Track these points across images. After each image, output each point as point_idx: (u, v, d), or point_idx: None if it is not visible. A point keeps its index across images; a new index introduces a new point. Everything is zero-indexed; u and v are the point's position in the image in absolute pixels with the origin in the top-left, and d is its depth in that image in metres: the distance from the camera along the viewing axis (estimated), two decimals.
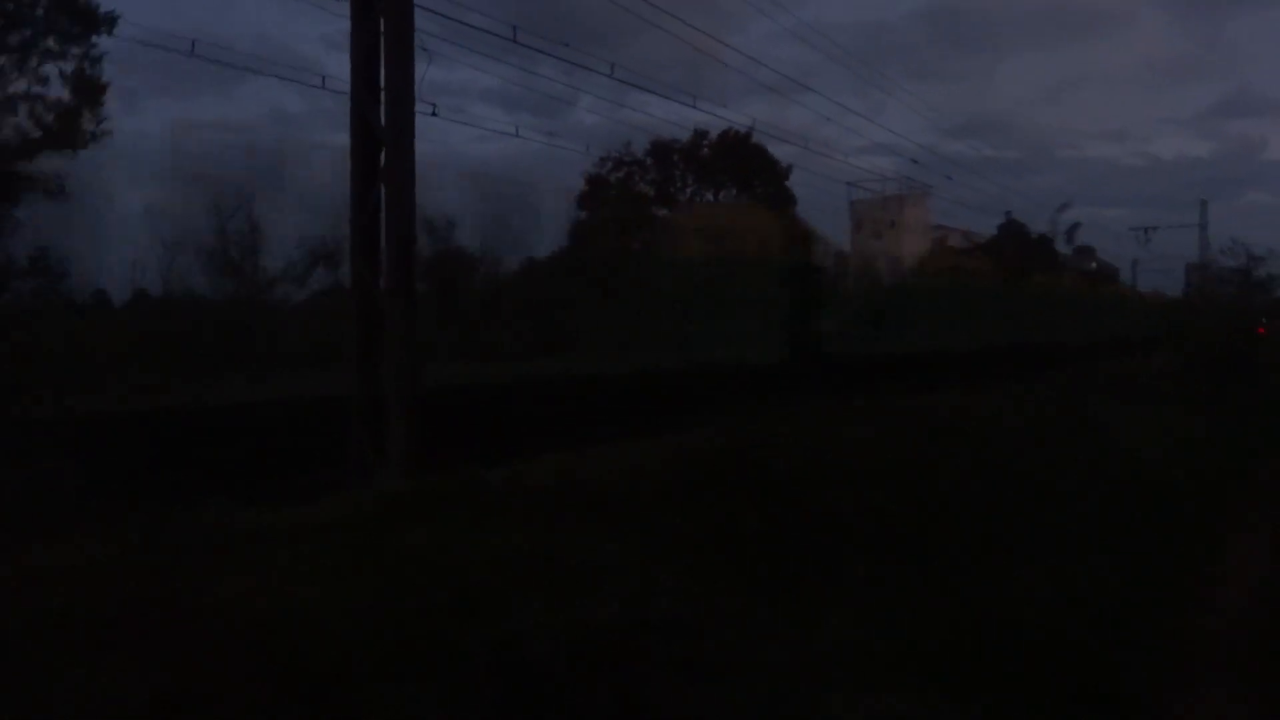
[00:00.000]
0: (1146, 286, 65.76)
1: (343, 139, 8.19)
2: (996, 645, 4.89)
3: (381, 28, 7.79)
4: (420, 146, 7.84)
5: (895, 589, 5.53)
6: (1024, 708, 4.23)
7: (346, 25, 8.04)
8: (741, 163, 45.64)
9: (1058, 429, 10.75)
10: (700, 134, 44.48)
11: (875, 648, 4.65)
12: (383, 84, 7.81)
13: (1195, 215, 53.71)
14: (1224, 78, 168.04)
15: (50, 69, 20.20)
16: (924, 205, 53.09)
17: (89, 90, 20.49)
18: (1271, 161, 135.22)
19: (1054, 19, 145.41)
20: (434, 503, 5.22)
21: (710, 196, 46.23)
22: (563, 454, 6.55)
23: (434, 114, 15.93)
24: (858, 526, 5.95)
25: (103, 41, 20.45)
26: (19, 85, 19.97)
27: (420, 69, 7.87)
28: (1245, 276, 43.87)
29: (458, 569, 4.21)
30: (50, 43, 20.21)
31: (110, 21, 20.30)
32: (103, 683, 3.02)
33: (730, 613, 4.54)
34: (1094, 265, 65.83)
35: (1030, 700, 4.29)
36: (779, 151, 45.28)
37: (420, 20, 8.00)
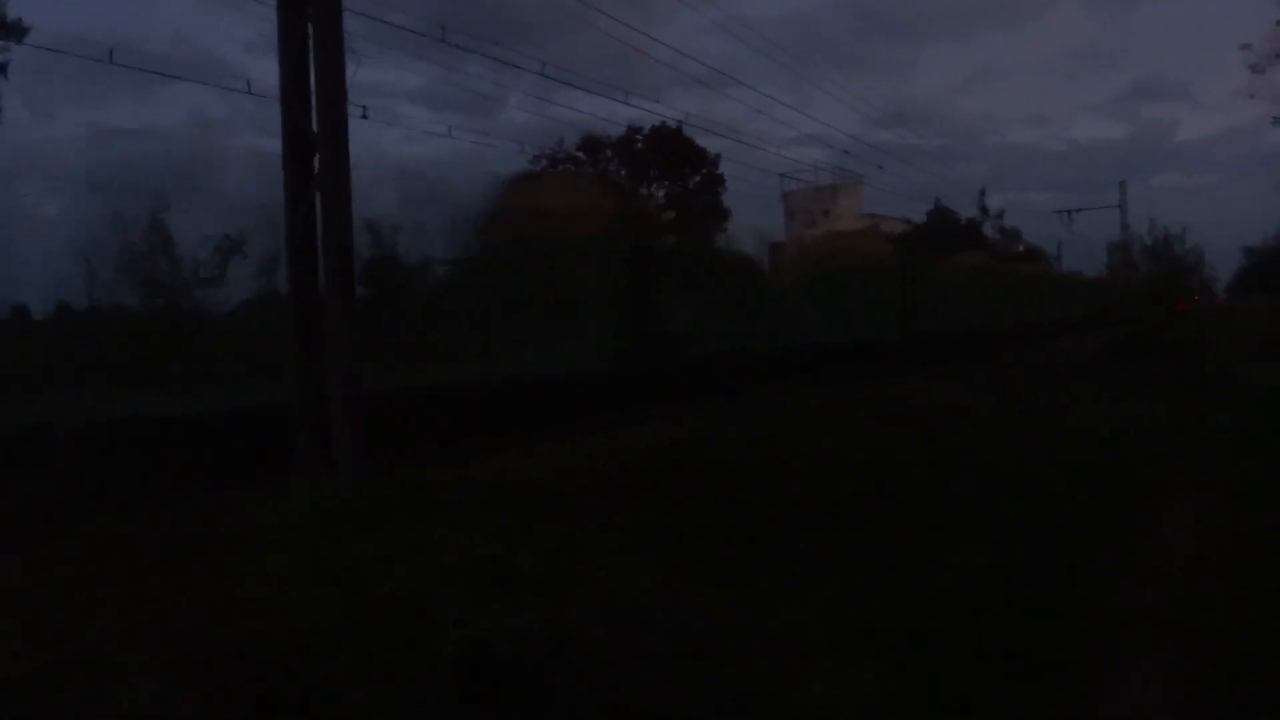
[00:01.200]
0: (1070, 267, 67.77)
1: (267, 143, 8.09)
2: (941, 618, 5.09)
3: (310, 31, 7.70)
4: (351, 149, 7.79)
5: (847, 570, 5.71)
6: (964, 673, 4.44)
7: (266, 28, 7.94)
8: (674, 156, 45.86)
9: (996, 413, 11.08)
10: (633, 129, 44.62)
11: (830, 626, 4.83)
12: (313, 88, 7.73)
13: (1115, 197, 55.36)
14: (1136, 64, 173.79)
15: None
16: (856, 195, 53.95)
17: None
18: (1183, 143, 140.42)
19: (973, 8, 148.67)
20: (383, 505, 5.21)
21: (644, 190, 46.37)
22: (509, 453, 6.58)
23: (364, 116, 15.76)
24: (809, 514, 6.09)
25: (13, 50, 19.77)
26: None
27: (349, 71, 7.81)
28: (1164, 255, 45.43)
29: (410, 571, 4.23)
30: None
31: (19, 31, 19.63)
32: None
33: (692, 602, 4.63)
34: (1021, 248, 67.57)
35: (969, 667, 4.49)
36: (711, 144, 45.62)
37: (347, 21, 7.94)
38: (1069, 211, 55.60)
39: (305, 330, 7.92)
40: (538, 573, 4.31)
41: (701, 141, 44.76)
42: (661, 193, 47.24)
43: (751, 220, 56.42)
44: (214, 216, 18.76)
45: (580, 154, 45.40)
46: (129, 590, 3.77)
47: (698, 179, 47.37)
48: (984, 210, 56.53)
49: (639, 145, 45.79)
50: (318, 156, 7.74)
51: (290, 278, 8.13)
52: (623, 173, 46.94)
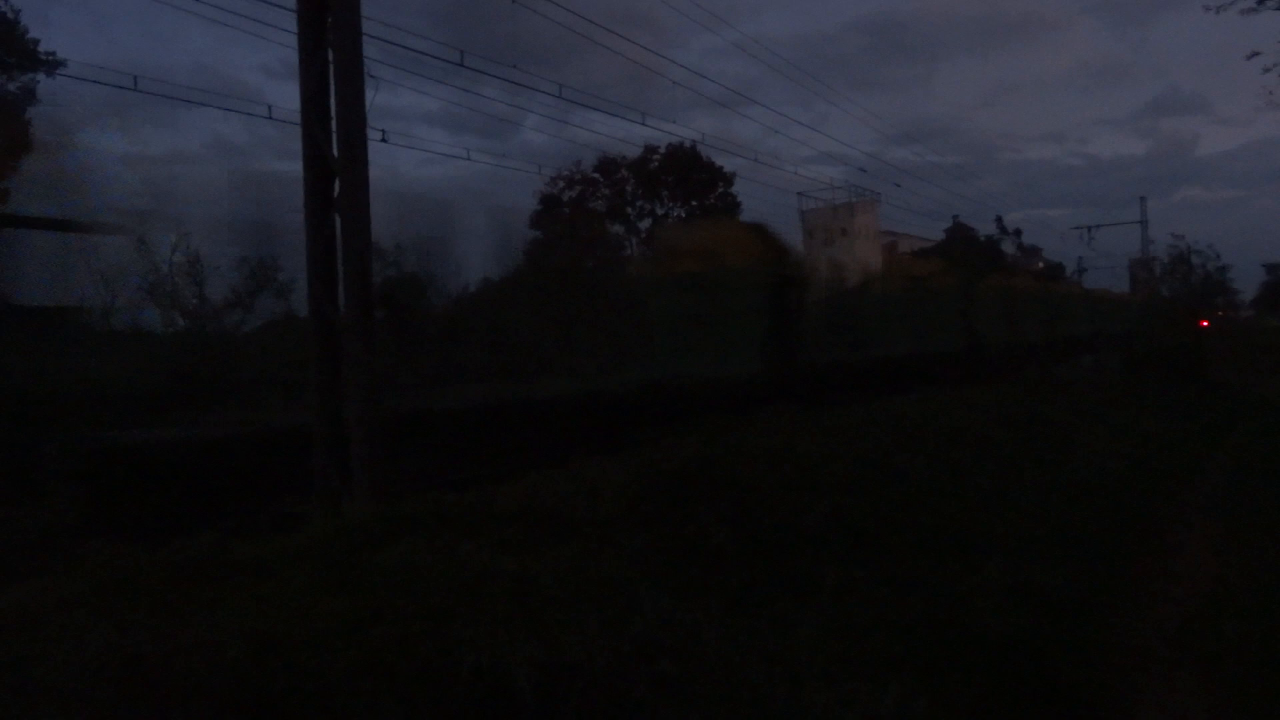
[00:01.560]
0: (1092, 283, 67.34)
1: (287, 167, 8.18)
2: (956, 640, 5.06)
3: (331, 58, 7.82)
4: (370, 172, 7.88)
5: (863, 592, 5.66)
6: (979, 694, 4.40)
7: (284, 54, 8.07)
8: (690, 175, 45.99)
9: (1019, 431, 10.99)
10: (650, 149, 44.81)
11: (846, 648, 4.79)
12: (334, 113, 7.84)
13: (1135, 213, 55.17)
14: (1154, 79, 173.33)
15: None
16: (874, 212, 53.92)
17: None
18: (1203, 158, 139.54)
19: (989, 26, 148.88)
20: (404, 528, 5.23)
21: (659, 210, 46.49)
22: (533, 475, 6.58)
23: (384, 140, 15.94)
24: (826, 533, 6.06)
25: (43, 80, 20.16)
26: None
27: (368, 96, 7.91)
28: (1186, 271, 45.04)
29: (432, 594, 4.24)
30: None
31: (52, 64, 20.05)
32: None
33: (708, 625, 4.61)
34: (1041, 264, 67.22)
35: (985, 688, 4.46)
36: (728, 163, 45.75)
37: (367, 47, 8.05)
38: (1089, 228, 55.37)
39: (325, 353, 7.99)
40: (556, 593, 4.31)
41: (718, 160, 44.92)
42: (678, 212, 47.34)
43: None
44: (236, 239, 18.98)
45: (597, 175, 45.63)
46: (120, 619, 3.79)
47: (712, 198, 47.44)
48: (1002, 228, 56.34)
49: (654, 165, 45.95)
50: (337, 180, 7.83)
51: (310, 300, 8.21)
52: (639, 193, 47.13)
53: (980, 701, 4.39)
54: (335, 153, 7.78)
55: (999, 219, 55.19)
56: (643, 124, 41.39)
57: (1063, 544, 6.85)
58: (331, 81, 7.77)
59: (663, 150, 44.69)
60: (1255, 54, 13.20)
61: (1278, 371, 24.87)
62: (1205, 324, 40.20)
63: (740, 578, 5.50)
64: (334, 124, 7.82)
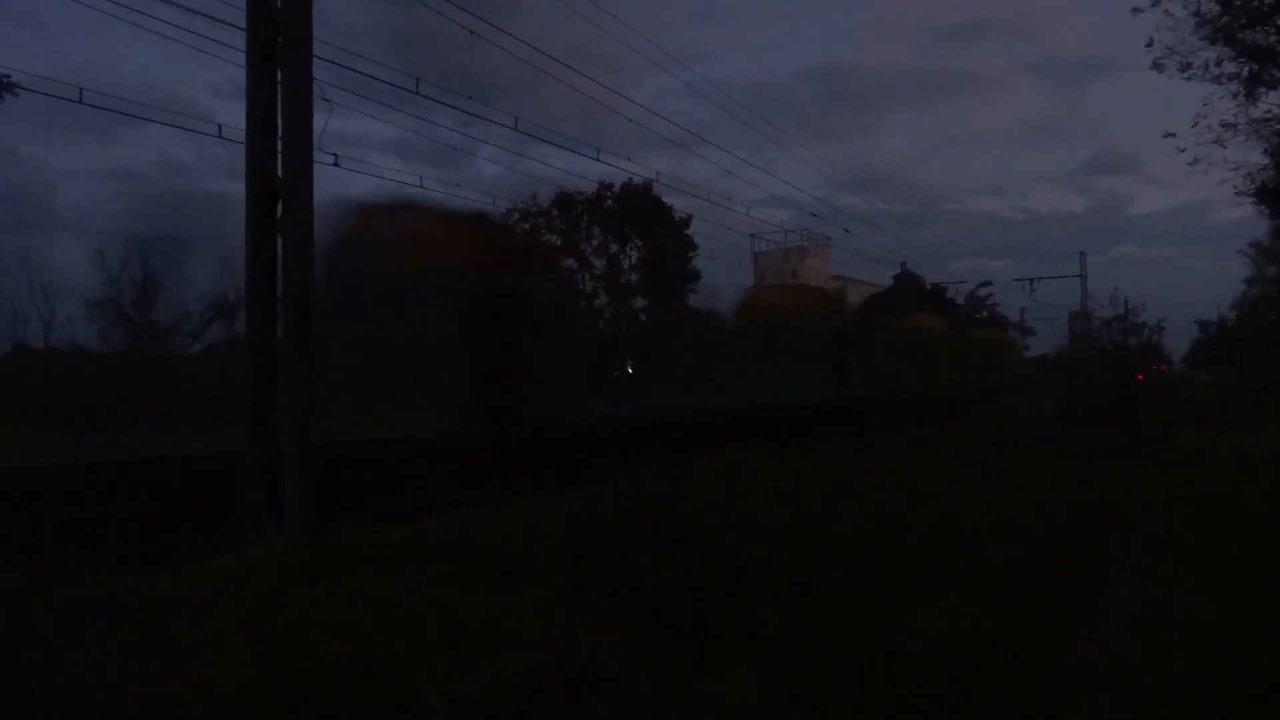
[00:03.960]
0: (1035, 334, 68.74)
1: (236, 188, 8.04)
2: (892, 683, 5.02)
3: (279, 77, 7.71)
4: (319, 197, 7.77)
5: (798, 633, 5.62)
6: None
7: (233, 72, 7.95)
8: (644, 213, 46.28)
9: (951, 476, 11.10)
10: (605, 186, 45.04)
11: (782, 690, 4.74)
12: (280, 133, 7.72)
13: (1074, 266, 56.62)
14: (1091, 138, 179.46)
15: None
16: (824, 256, 54.72)
17: None
18: (1138, 216, 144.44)
19: (933, 80, 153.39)
20: (332, 562, 5.08)
21: (614, 247, 46.63)
22: (468, 510, 6.46)
23: (336, 164, 15.77)
24: (762, 574, 6.01)
25: None
26: None
27: (321, 119, 7.81)
28: (1124, 325, 46.25)
29: (356, 631, 4.10)
30: None
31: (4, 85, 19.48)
32: None
33: (642, 664, 4.53)
34: (985, 314, 68.58)
35: None
36: (682, 203, 46.19)
37: (320, 71, 7.98)
38: (1030, 280, 56.70)
39: (260, 379, 7.80)
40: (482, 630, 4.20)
41: (672, 200, 45.29)
42: (634, 254, 47.56)
43: (723, 280, 56.88)
44: (182, 262, 18.60)
45: (554, 210, 45.69)
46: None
47: (668, 239, 47.73)
48: (944, 281, 57.49)
49: (609, 203, 46.20)
50: (281, 201, 7.69)
51: (248, 325, 8.03)
52: (595, 230, 47.29)
53: None
54: (280, 173, 7.65)
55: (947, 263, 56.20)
56: (597, 159, 41.72)
57: (1001, 586, 6.89)
58: (280, 101, 7.66)
59: (617, 188, 44.97)
60: (1170, 134, 13.83)
61: (1204, 424, 25.65)
62: (1140, 377, 41.22)
63: (677, 618, 5.43)
64: (280, 144, 7.70)
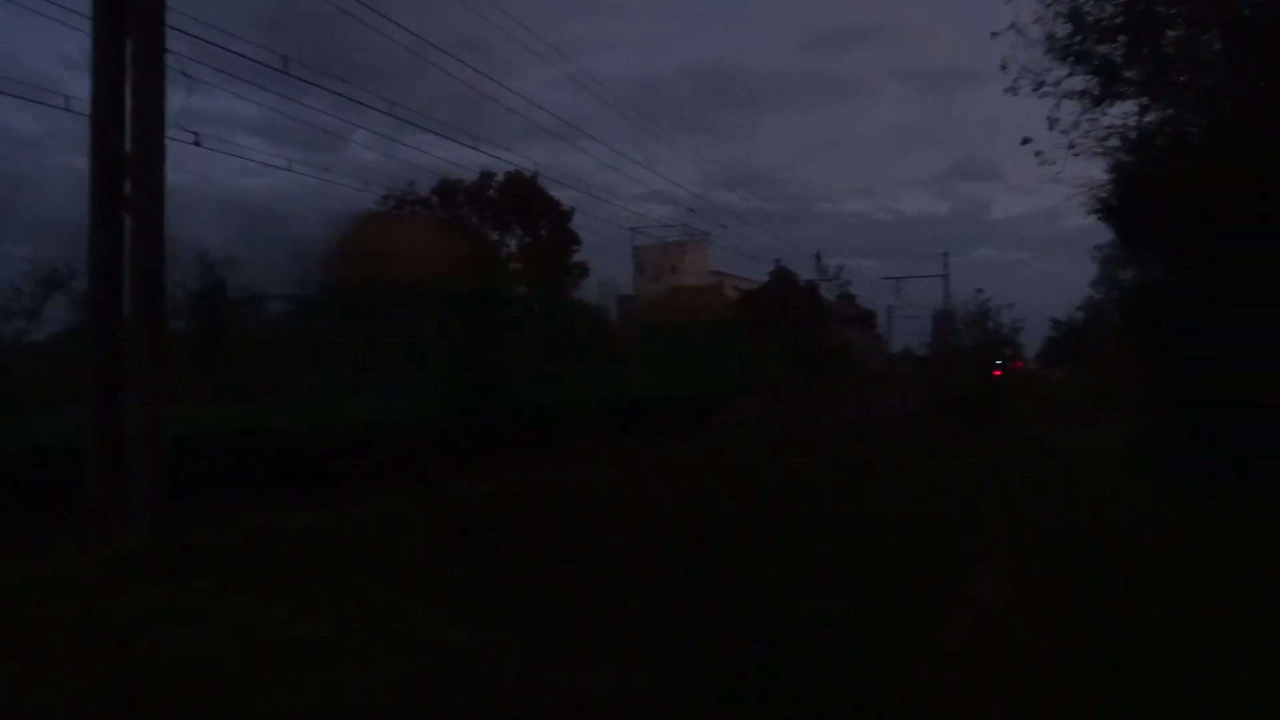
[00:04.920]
0: (899, 331, 71.61)
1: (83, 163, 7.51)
2: (763, 669, 5.10)
3: (129, 50, 7.25)
4: (178, 177, 7.36)
5: (671, 623, 5.64)
6: None
7: (85, 42, 7.42)
8: (527, 205, 45.89)
9: (823, 469, 11.38)
10: (487, 175, 44.38)
11: (654, 679, 4.74)
12: (129, 108, 7.25)
13: (938, 267, 58.98)
14: (955, 145, 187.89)
15: None
16: (703, 252, 55.39)
17: None
18: (997, 220, 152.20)
19: (809, 84, 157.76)
20: (177, 559, 4.80)
21: (497, 236, 46.07)
22: (324, 504, 6.23)
23: (197, 143, 14.98)
24: (635, 567, 6.01)
25: None
26: None
27: (179, 96, 7.39)
28: (983, 323, 48.49)
29: (196, 636, 3.87)
30: None
31: None
32: None
33: (512, 654, 4.45)
34: (854, 313, 70.85)
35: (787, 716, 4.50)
36: (563, 195, 45.94)
37: (179, 44, 7.55)
38: (897, 279, 58.84)
39: (105, 365, 7.33)
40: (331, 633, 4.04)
41: (554, 192, 45.05)
42: (513, 244, 47.09)
43: (601, 273, 56.93)
44: (23, 241, 17.42)
45: (434, 197, 44.75)
46: None
47: (549, 230, 47.48)
48: (822, 271, 58.72)
49: (491, 192, 45.61)
50: (129, 180, 7.24)
51: (90, 307, 7.53)
52: (476, 219, 46.61)
53: None
54: (128, 150, 7.19)
55: (818, 258, 57.48)
56: (475, 149, 40.96)
57: (869, 575, 7.08)
58: (129, 72, 7.20)
59: (501, 178, 44.43)
60: (1028, 139, 14.54)
61: (1056, 419, 27.36)
62: (998, 374, 43.36)
63: (549, 610, 5.37)
64: (128, 119, 7.24)
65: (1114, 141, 13.59)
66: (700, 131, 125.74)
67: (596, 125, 75.79)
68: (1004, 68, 13.58)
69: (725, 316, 32.62)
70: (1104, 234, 19.80)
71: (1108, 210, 14.92)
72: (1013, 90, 13.63)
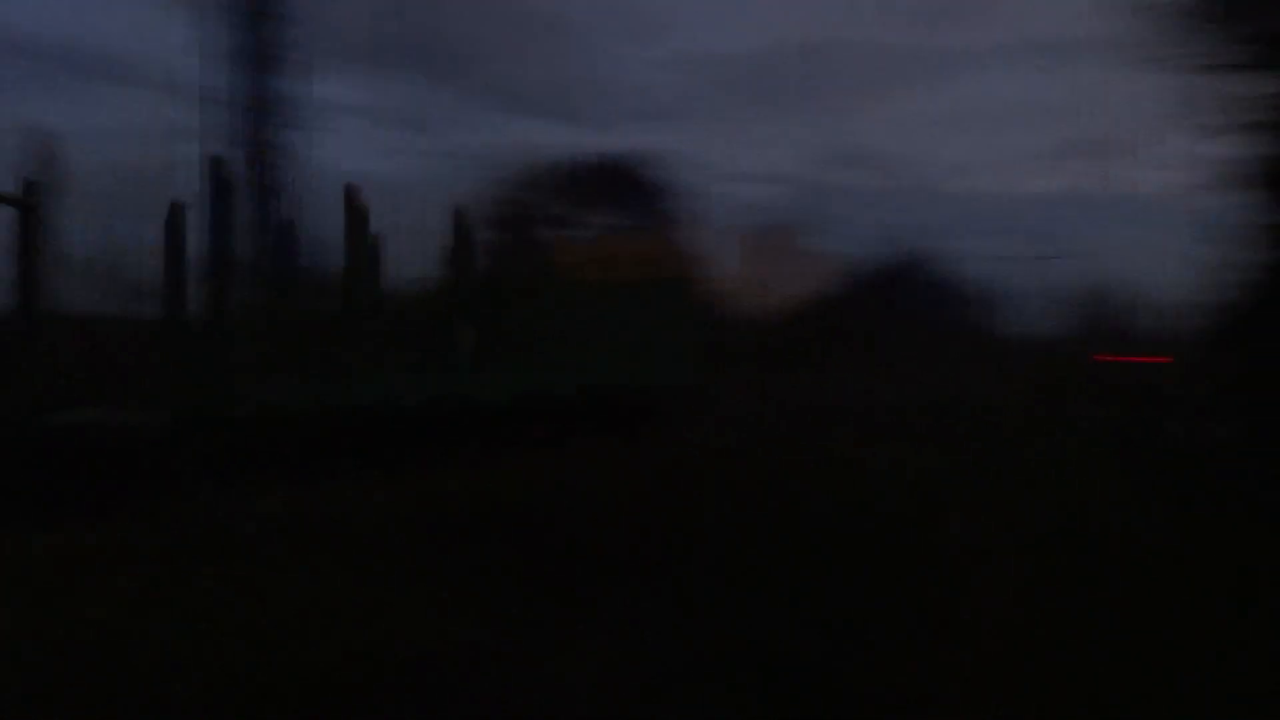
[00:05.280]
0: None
1: None
2: (737, 662, 5.12)
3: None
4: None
5: (645, 618, 5.74)
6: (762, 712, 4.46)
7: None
8: (625, 187, 45.90)
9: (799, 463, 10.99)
10: (583, 158, 44.56)
11: (626, 671, 4.84)
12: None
13: (1054, 246, 56.20)
14: (1068, 119, 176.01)
15: None
16: (795, 237, 54.26)
17: None
18: (1112, 198, 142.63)
19: (916, 58, 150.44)
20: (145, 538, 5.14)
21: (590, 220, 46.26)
22: (300, 490, 6.53)
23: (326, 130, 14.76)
24: (612, 562, 6.13)
25: None
26: None
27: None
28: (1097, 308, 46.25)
29: (148, 607, 4.17)
30: None
31: None
32: None
33: (482, 645, 4.63)
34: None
35: (771, 706, 4.53)
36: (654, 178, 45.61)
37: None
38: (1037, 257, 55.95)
39: None
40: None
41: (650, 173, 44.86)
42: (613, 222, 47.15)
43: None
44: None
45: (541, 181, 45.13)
46: None
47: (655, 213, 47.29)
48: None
49: (583, 174, 45.71)
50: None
51: None
52: (572, 202, 46.92)
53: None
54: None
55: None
56: (578, 131, 40.75)
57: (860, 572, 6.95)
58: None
59: (594, 161, 44.53)
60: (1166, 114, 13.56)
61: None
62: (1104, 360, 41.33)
63: (525, 601, 5.55)
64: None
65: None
66: (804, 109, 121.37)
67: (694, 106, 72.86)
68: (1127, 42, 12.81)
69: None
70: (1228, 214, 18.41)
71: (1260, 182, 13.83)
72: (1142, 62, 12.87)
